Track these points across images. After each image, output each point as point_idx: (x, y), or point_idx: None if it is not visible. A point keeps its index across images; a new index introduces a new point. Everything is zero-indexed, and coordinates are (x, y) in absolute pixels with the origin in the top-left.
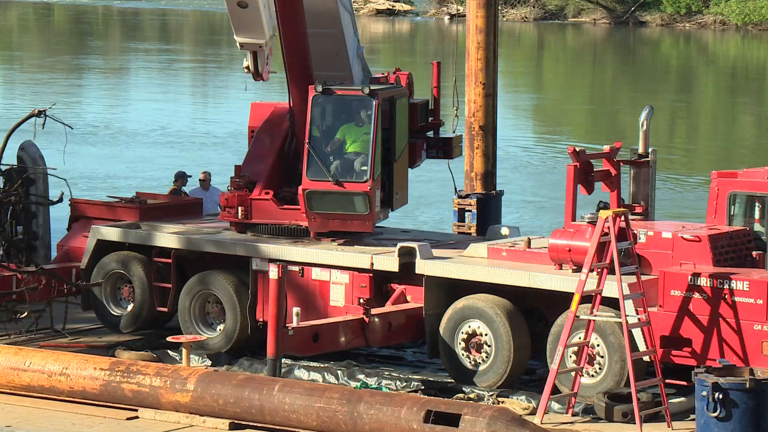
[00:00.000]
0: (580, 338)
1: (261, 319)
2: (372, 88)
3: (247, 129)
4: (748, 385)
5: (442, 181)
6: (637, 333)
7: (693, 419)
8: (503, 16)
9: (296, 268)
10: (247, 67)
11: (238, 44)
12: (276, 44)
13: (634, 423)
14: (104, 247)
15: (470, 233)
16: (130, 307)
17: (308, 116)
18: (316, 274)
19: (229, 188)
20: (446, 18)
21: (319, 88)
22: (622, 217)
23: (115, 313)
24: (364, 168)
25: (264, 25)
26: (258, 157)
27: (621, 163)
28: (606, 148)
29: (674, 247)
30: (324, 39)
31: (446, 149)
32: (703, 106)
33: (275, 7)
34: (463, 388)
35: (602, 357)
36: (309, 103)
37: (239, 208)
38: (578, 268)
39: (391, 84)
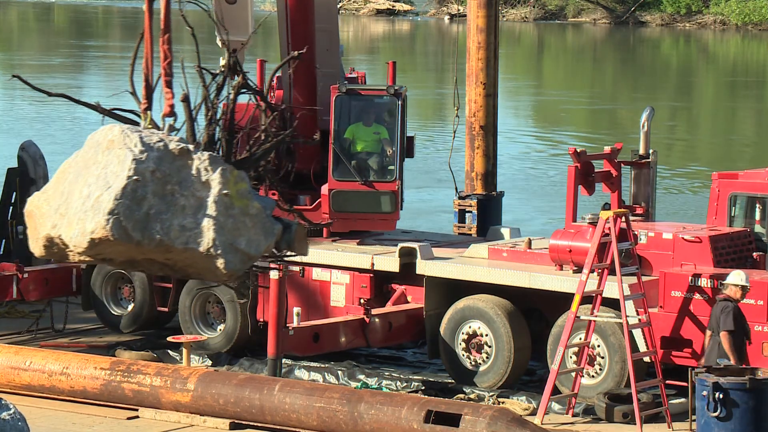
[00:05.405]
0: (580, 339)
1: (261, 319)
2: (395, 88)
3: None
4: (748, 385)
5: None
6: (637, 334)
7: (693, 419)
8: (503, 16)
9: (297, 268)
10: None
11: (219, 42)
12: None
13: (635, 423)
14: None
15: (471, 234)
16: (130, 307)
17: (331, 116)
18: (317, 274)
19: None
20: (446, 18)
21: (343, 89)
22: (623, 218)
23: (115, 313)
24: (391, 168)
25: (249, 23)
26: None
27: (622, 164)
28: (607, 149)
29: (675, 248)
30: (319, 34)
31: (408, 148)
32: (703, 105)
33: (284, 3)
34: (464, 389)
35: (603, 357)
36: (332, 104)
37: None
38: (579, 269)
39: (400, 85)
